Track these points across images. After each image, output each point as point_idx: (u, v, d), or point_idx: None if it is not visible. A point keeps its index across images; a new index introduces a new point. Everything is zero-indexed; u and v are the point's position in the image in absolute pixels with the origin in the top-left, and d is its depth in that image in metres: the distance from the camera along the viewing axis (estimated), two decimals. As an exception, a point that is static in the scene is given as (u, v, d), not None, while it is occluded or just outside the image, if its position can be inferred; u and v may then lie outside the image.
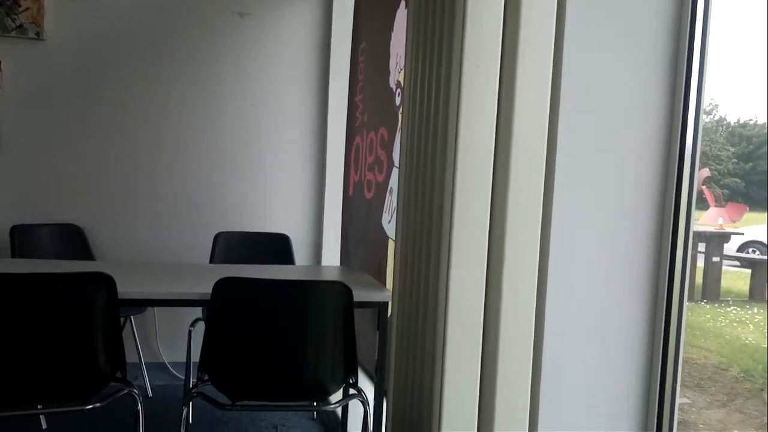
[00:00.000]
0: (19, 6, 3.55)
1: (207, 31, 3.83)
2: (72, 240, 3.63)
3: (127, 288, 2.27)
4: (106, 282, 2.16)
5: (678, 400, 1.69)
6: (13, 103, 3.61)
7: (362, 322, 2.60)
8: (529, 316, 1.62)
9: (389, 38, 3.14)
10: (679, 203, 1.67)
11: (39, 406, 2.26)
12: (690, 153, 1.66)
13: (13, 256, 3.38)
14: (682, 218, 1.67)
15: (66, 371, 2.15)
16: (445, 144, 1.70)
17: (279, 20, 3.93)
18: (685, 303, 1.68)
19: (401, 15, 3.00)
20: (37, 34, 3.58)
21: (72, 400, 2.20)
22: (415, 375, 1.88)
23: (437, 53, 1.78)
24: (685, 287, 1.67)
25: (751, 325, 5.87)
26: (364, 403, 2.36)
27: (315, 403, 2.64)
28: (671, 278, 1.68)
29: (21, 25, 3.56)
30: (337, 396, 2.47)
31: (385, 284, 2.90)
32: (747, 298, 6.86)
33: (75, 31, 3.67)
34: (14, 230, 3.44)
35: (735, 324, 5.89)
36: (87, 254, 3.63)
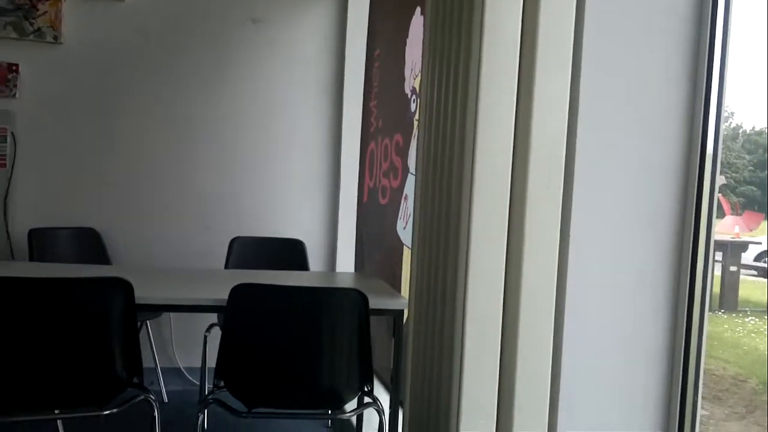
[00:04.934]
0: (37, 10, 3.58)
1: (222, 36, 3.85)
2: (89, 243, 3.65)
3: (144, 293, 2.28)
4: (124, 287, 2.17)
5: (699, 411, 1.66)
6: (31, 106, 3.64)
7: (377, 330, 2.59)
8: (548, 324, 1.60)
9: (404, 45, 3.14)
10: (700, 211, 1.65)
11: (56, 411, 2.27)
12: (711, 160, 1.65)
13: (31, 259, 3.41)
14: (702, 226, 1.65)
15: (83, 376, 2.15)
16: (462, 151, 1.69)
17: (293, 26, 3.94)
18: (707, 312, 1.66)
19: (416, 22, 3.00)
20: (55, 38, 3.61)
21: (89, 405, 2.21)
22: (432, 383, 1.87)
23: (454, 60, 1.78)
24: (707, 296, 1.65)
25: (770, 336, 5.79)
26: (380, 412, 2.35)
27: (330, 411, 2.64)
28: (692, 287, 1.66)
29: (39, 29, 3.59)
30: (352, 404, 2.46)
31: (400, 291, 2.89)
32: (765, 308, 6.77)
33: (92, 35, 3.70)
34: (32, 234, 3.47)
35: (753, 335, 5.82)
36: (104, 258, 3.65)
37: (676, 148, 1.67)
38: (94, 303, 2.17)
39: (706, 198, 1.65)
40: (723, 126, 1.67)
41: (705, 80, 1.65)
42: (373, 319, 2.28)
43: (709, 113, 1.65)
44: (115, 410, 2.21)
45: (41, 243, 3.48)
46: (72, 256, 3.57)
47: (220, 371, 2.25)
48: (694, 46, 1.65)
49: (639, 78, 1.65)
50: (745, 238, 7.85)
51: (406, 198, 2.98)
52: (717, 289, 6.62)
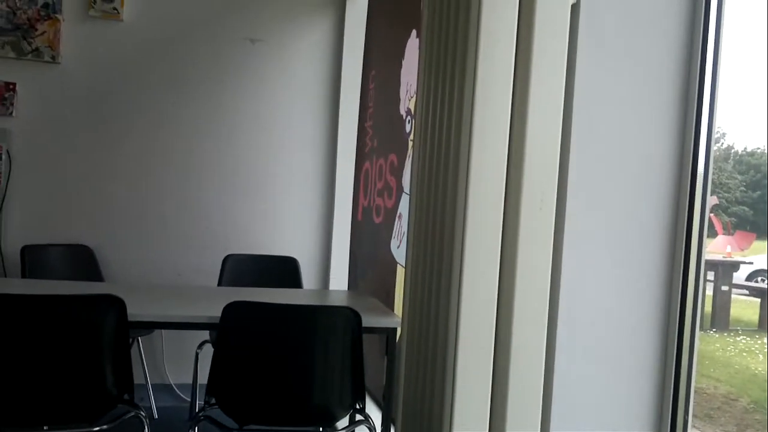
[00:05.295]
0: (36, 30, 3.61)
1: (219, 56, 3.88)
2: (82, 260, 3.64)
3: (136, 310, 2.27)
4: (117, 305, 2.17)
5: (690, 430, 1.67)
6: (27, 125, 3.65)
7: (370, 348, 2.59)
8: (540, 345, 1.61)
9: (400, 66, 3.17)
10: (691, 231, 1.67)
11: (45, 428, 2.25)
12: (702, 180, 1.67)
13: (24, 276, 3.39)
14: (693, 245, 1.67)
15: (74, 393, 2.15)
16: (456, 171, 1.70)
17: (290, 47, 3.97)
18: (697, 330, 1.67)
19: (412, 44, 3.03)
20: (53, 57, 3.63)
21: (79, 421, 2.19)
22: (424, 401, 1.87)
23: (449, 82, 1.80)
24: (697, 314, 1.67)
25: (760, 355, 5.81)
26: (372, 430, 2.34)
27: (321, 429, 2.63)
28: (683, 305, 1.67)
29: (37, 49, 3.62)
30: (344, 422, 2.46)
31: (393, 309, 2.89)
32: (756, 328, 6.80)
33: (90, 55, 3.72)
34: (25, 250, 3.46)
35: (744, 354, 5.83)
36: (96, 275, 3.64)
37: (668, 168, 1.69)
38: (87, 320, 2.16)
39: (697, 217, 1.67)
40: (715, 146, 1.69)
41: (696, 100, 1.67)
42: (366, 336, 2.28)
43: (699, 133, 1.67)
44: (105, 427, 2.20)
45: (34, 260, 3.47)
46: (65, 273, 3.56)
47: (211, 388, 2.25)
48: (685, 66, 1.68)
49: (630, 99, 1.67)
50: (736, 257, 7.89)
51: (400, 217, 3.00)
52: (709, 308, 6.65)
